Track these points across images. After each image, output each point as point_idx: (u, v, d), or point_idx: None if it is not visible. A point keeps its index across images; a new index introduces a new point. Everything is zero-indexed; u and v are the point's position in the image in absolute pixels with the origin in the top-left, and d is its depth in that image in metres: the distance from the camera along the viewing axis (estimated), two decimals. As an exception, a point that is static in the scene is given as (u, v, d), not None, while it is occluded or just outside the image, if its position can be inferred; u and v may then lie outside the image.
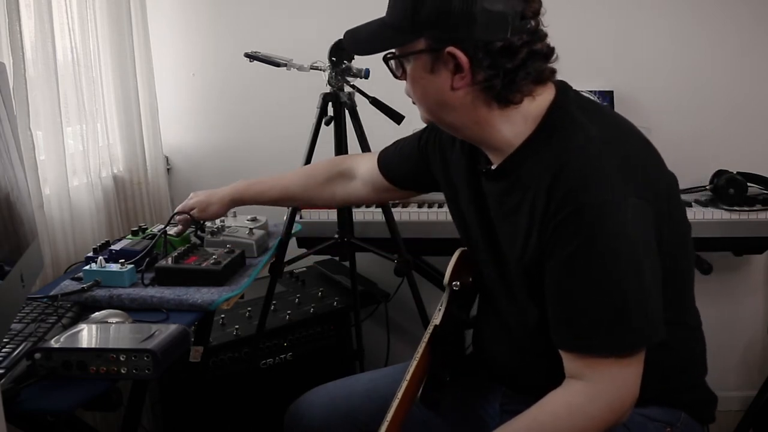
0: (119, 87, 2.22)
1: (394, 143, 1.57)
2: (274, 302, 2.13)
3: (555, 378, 1.14)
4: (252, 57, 2.00)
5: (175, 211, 1.76)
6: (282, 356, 2.21)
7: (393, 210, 2.05)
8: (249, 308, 2.23)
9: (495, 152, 1.20)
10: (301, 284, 2.43)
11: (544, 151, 1.13)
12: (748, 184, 2.22)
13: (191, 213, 1.74)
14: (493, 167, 1.22)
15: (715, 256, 2.21)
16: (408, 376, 1.27)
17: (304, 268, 2.51)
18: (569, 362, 1.12)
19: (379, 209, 2.03)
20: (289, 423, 1.48)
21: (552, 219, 1.09)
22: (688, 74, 2.45)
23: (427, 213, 2.21)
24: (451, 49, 1.09)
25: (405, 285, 2.11)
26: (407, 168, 1.53)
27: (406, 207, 2.25)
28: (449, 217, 2.20)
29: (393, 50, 1.17)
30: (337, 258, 2.31)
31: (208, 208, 1.73)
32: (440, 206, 2.25)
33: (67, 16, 1.98)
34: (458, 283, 1.36)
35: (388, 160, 1.56)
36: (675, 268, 1.16)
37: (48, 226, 1.82)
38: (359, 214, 2.20)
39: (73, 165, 2.01)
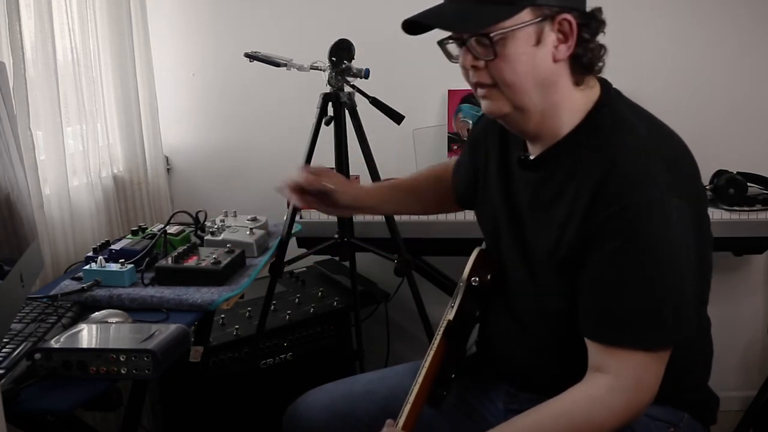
0: (119, 87, 2.22)
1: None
2: (274, 302, 2.13)
3: (566, 376, 1.15)
4: (252, 57, 2.00)
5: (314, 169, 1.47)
6: (282, 356, 2.21)
7: (393, 210, 2.05)
8: (249, 308, 2.23)
9: (538, 142, 1.22)
10: (301, 284, 2.43)
11: (592, 145, 1.15)
12: (748, 184, 2.22)
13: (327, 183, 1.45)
14: (531, 156, 1.24)
15: (715, 256, 2.20)
16: (423, 371, 1.27)
17: (304, 268, 2.51)
18: (596, 353, 1.13)
19: (379, 209, 2.03)
20: (287, 425, 1.48)
21: (598, 214, 1.10)
22: (688, 74, 2.45)
23: (427, 213, 2.21)
24: (566, 15, 1.12)
25: (405, 285, 2.12)
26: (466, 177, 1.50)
27: (406, 207, 2.25)
28: (449, 217, 2.23)
29: (499, 27, 1.11)
30: (337, 258, 2.31)
31: (348, 187, 1.50)
32: (440, 206, 2.25)
33: (67, 16, 1.98)
34: (477, 279, 1.37)
35: (456, 167, 1.55)
36: (699, 272, 1.17)
37: (48, 226, 1.82)
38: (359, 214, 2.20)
39: (73, 165, 2.01)
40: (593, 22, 1.16)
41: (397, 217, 2.05)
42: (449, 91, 2.42)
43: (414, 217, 2.20)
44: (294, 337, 2.23)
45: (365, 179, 2.14)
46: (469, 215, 2.17)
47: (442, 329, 1.36)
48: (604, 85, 1.22)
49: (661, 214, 1.08)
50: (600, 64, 1.19)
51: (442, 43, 1.22)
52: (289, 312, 2.23)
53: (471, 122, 2.40)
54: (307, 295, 2.33)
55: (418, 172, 1.64)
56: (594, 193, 1.11)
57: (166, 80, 2.51)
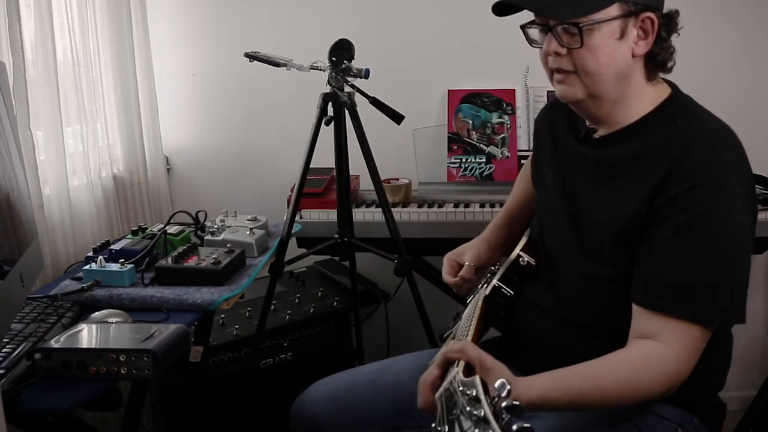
0: (119, 87, 2.22)
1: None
2: (274, 302, 2.13)
3: (593, 356, 1.15)
4: (252, 57, 2.00)
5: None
6: (282, 356, 2.21)
7: (393, 210, 2.05)
8: (249, 308, 2.23)
9: (605, 125, 1.29)
10: (301, 284, 2.43)
11: (666, 129, 1.22)
12: (749, 184, 2.22)
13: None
14: (596, 135, 1.31)
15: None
16: (472, 329, 1.30)
17: (304, 268, 2.51)
18: (649, 321, 1.15)
19: (379, 209, 2.03)
20: (294, 417, 1.49)
21: (670, 190, 1.15)
22: (688, 74, 2.44)
23: (427, 213, 2.21)
24: (649, 13, 1.20)
25: (405, 285, 2.11)
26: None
27: (406, 207, 2.26)
28: (449, 218, 2.23)
29: (589, 18, 1.17)
30: (337, 258, 2.31)
31: (480, 255, 1.55)
32: (440, 206, 2.25)
33: (67, 16, 1.98)
34: (525, 258, 1.41)
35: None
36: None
37: (48, 226, 1.82)
38: (359, 214, 2.20)
39: (73, 165, 2.01)
40: (671, 22, 1.24)
41: (397, 217, 2.06)
42: (449, 91, 2.42)
43: (414, 217, 2.21)
44: (294, 337, 2.23)
45: (365, 179, 2.14)
46: (468, 215, 2.19)
47: (481, 299, 1.40)
48: (674, 86, 1.31)
49: (727, 197, 1.14)
50: (671, 63, 1.26)
51: (524, 27, 1.27)
52: (289, 312, 2.23)
53: (471, 122, 2.41)
54: (307, 295, 2.33)
55: (513, 190, 1.66)
56: (667, 172, 1.16)
57: (166, 80, 2.51)
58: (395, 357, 1.56)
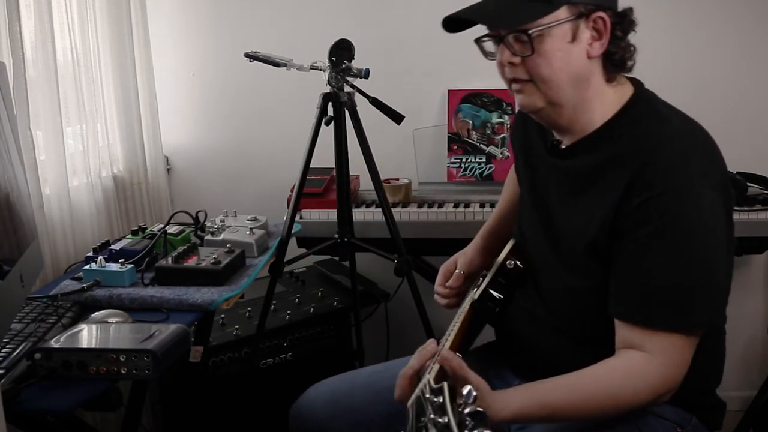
0: (119, 87, 2.22)
1: None
2: (274, 302, 2.13)
3: (583, 364, 1.16)
4: (252, 57, 2.00)
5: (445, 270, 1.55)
6: (282, 356, 2.21)
7: (393, 210, 2.05)
8: (249, 308, 2.23)
9: (569, 134, 1.26)
10: (301, 284, 2.43)
11: (630, 135, 1.19)
12: (748, 184, 2.22)
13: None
14: (563, 146, 1.28)
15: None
16: (451, 337, 1.28)
17: (304, 268, 2.51)
18: (630, 333, 1.15)
19: (379, 209, 2.03)
20: (293, 420, 1.49)
21: (635, 198, 1.13)
22: (688, 74, 2.45)
23: (427, 213, 2.21)
24: (600, 13, 1.17)
25: (405, 285, 2.11)
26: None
27: (406, 207, 2.26)
28: (449, 218, 2.23)
29: (537, 24, 1.16)
30: (337, 258, 2.31)
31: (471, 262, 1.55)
32: (440, 206, 2.25)
33: (67, 16, 1.98)
34: (513, 262, 1.41)
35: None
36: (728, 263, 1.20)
37: (48, 226, 1.82)
38: (359, 214, 2.20)
39: (73, 165, 2.01)
40: (625, 20, 1.21)
41: (397, 217, 2.06)
42: (449, 91, 2.42)
43: (414, 217, 2.21)
44: (294, 337, 2.23)
45: (365, 179, 2.14)
46: (468, 215, 2.19)
47: (468, 304, 1.38)
48: (638, 84, 1.28)
49: (698, 200, 1.12)
50: (631, 62, 1.24)
51: (479, 41, 1.26)
52: (289, 312, 2.23)
53: (471, 122, 2.41)
54: (307, 295, 2.33)
55: (502, 194, 1.65)
56: (631, 179, 1.14)
57: (166, 80, 2.51)
58: (395, 360, 1.55)
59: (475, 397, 0.85)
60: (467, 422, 0.82)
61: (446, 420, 0.83)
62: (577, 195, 1.25)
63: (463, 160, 2.41)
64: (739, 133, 2.47)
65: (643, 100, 1.25)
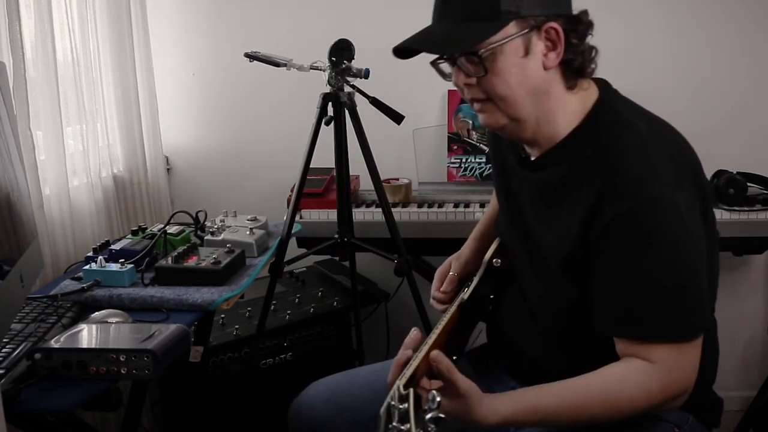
0: (119, 87, 2.22)
1: None
2: (274, 302, 2.13)
3: (574, 369, 1.15)
4: (252, 57, 2.00)
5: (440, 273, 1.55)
6: (282, 356, 2.21)
7: (393, 210, 2.05)
8: (249, 308, 2.23)
9: (537, 146, 1.24)
10: (301, 284, 2.43)
11: (593, 146, 1.16)
12: (748, 184, 2.22)
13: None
14: (532, 158, 1.26)
15: (715, 256, 2.21)
16: (430, 341, 1.26)
17: (304, 268, 2.51)
18: (628, 347, 1.14)
19: (379, 209, 2.03)
20: (292, 418, 1.49)
21: (605, 215, 1.11)
22: (688, 74, 2.45)
23: (427, 213, 2.21)
24: (552, 24, 1.13)
25: (405, 285, 2.11)
26: None
27: (406, 207, 2.26)
28: (449, 218, 2.23)
29: (487, 44, 1.12)
30: (337, 258, 2.32)
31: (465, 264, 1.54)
32: (440, 206, 2.25)
33: (67, 16, 1.98)
34: (499, 260, 1.40)
35: None
36: (709, 265, 1.18)
37: (48, 226, 1.82)
38: (359, 214, 2.20)
39: (73, 165, 2.01)
40: (580, 25, 1.17)
41: (397, 217, 2.06)
42: (449, 91, 2.42)
43: (414, 217, 2.21)
44: (294, 337, 2.23)
45: (365, 179, 2.14)
46: (468, 215, 2.19)
47: (455, 305, 1.37)
48: (603, 86, 1.24)
49: (668, 207, 1.09)
50: (592, 66, 1.20)
51: (434, 63, 1.23)
52: (289, 312, 2.23)
53: (471, 122, 2.41)
54: (307, 295, 2.33)
55: (493, 195, 1.63)
56: (599, 194, 1.12)
57: (166, 80, 2.51)
58: (393, 359, 1.55)
59: (439, 402, 0.87)
60: (429, 427, 0.85)
61: (408, 427, 0.85)
62: (550, 208, 1.23)
63: (463, 160, 2.41)
64: (739, 133, 2.47)
65: (607, 105, 1.21)
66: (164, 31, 2.51)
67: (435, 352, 1.11)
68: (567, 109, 1.19)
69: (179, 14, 2.54)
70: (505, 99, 1.16)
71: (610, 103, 1.21)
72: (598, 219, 1.12)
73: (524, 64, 1.14)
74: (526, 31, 1.13)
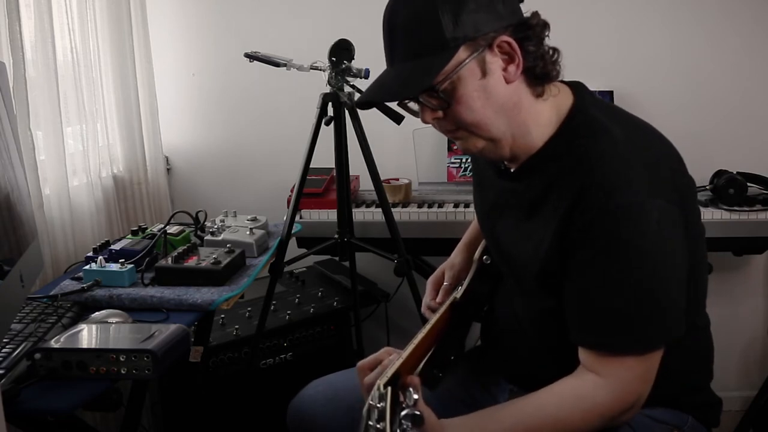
0: (119, 87, 2.22)
1: None
2: (274, 302, 2.13)
3: (564, 371, 1.15)
4: (252, 57, 2.00)
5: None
6: (282, 356, 2.21)
7: (393, 210, 2.05)
8: (249, 308, 2.23)
9: (515, 160, 1.22)
10: (301, 284, 2.43)
11: (568, 154, 1.14)
12: (748, 184, 2.22)
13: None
14: (512, 170, 1.25)
15: (715, 256, 2.21)
16: (416, 340, 1.26)
17: (304, 268, 2.52)
18: (585, 356, 1.13)
19: (379, 209, 2.03)
20: (292, 421, 1.48)
21: (576, 222, 1.10)
22: (688, 74, 2.45)
23: (427, 213, 2.21)
24: (502, 37, 1.10)
25: (405, 285, 2.11)
26: None
27: (406, 207, 2.26)
28: (449, 218, 2.23)
29: (441, 76, 1.10)
30: (337, 258, 2.32)
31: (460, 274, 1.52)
32: (440, 206, 2.25)
33: (67, 16, 1.98)
34: (489, 258, 1.39)
35: None
36: (691, 270, 1.16)
37: (48, 226, 1.82)
38: (359, 214, 2.20)
39: (73, 165, 2.01)
40: (533, 31, 1.13)
41: (396, 217, 2.06)
42: (449, 91, 2.42)
43: (414, 217, 2.21)
44: (294, 337, 2.23)
45: (365, 179, 2.14)
46: (468, 215, 2.18)
47: (447, 304, 1.36)
48: (578, 90, 1.21)
49: (640, 217, 1.07)
50: (557, 68, 1.17)
51: (402, 105, 1.22)
52: (289, 312, 2.23)
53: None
54: (307, 295, 2.33)
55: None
56: (572, 202, 1.10)
57: (166, 80, 2.52)
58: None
59: (416, 399, 0.88)
60: (404, 424, 0.86)
61: (383, 426, 0.86)
62: (528, 220, 1.21)
63: (463, 160, 2.41)
64: (739, 133, 2.47)
65: (581, 110, 1.18)
66: (164, 31, 2.51)
67: (409, 378, 1.08)
68: (539, 120, 1.17)
69: (179, 14, 2.54)
70: (475, 124, 1.14)
71: (585, 109, 1.18)
72: (571, 228, 1.11)
73: (485, 85, 1.11)
74: (477, 52, 1.09)
